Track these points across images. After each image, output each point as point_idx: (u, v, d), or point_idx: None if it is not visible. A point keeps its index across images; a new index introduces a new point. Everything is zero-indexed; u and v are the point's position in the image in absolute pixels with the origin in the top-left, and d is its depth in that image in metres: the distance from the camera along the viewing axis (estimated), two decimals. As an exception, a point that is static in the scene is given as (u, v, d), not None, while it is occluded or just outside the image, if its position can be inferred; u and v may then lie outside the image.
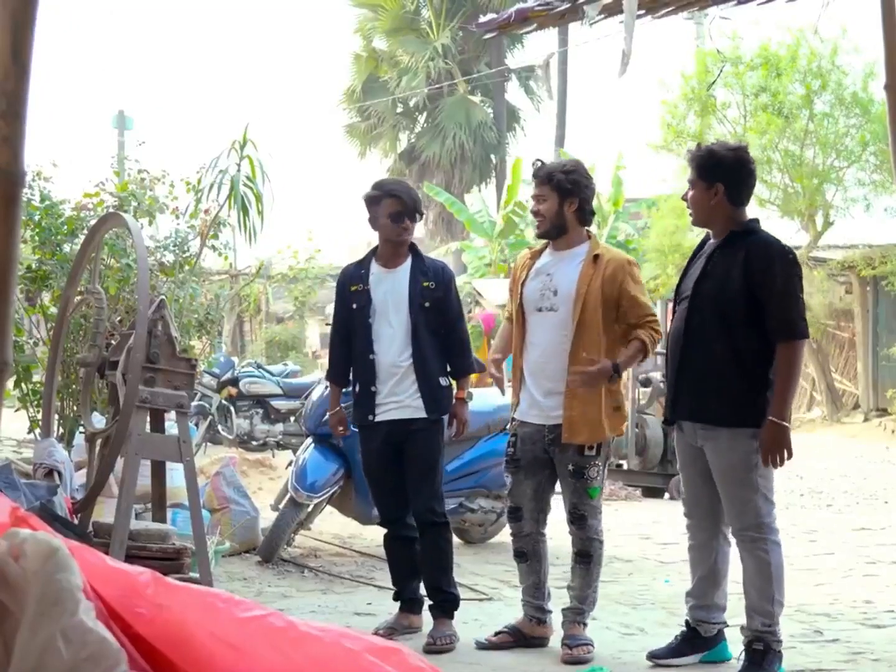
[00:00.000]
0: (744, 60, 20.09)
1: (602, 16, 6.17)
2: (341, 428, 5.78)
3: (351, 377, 5.69)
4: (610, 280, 5.18)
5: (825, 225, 20.86)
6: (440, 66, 29.86)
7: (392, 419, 5.48)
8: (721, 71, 19.22)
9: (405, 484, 5.58)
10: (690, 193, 4.92)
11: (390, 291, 5.52)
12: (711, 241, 4.99)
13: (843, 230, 21.62)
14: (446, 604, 5.49)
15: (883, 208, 20.37)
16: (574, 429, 5.19)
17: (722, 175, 4.83)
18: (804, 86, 19.84)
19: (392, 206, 5.51)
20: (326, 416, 7.18)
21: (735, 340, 4.78)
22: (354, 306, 5.55)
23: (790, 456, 4.73)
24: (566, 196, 5.24)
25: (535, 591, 5.40)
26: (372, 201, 5.57)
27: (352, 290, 5.58)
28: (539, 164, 5.40)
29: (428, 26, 30.95)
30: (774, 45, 20.02)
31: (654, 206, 21.38)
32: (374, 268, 5.59)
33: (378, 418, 5.49)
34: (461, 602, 5.63)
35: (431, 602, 5.53)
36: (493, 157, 30.63)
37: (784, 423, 4.69)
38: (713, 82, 18.71)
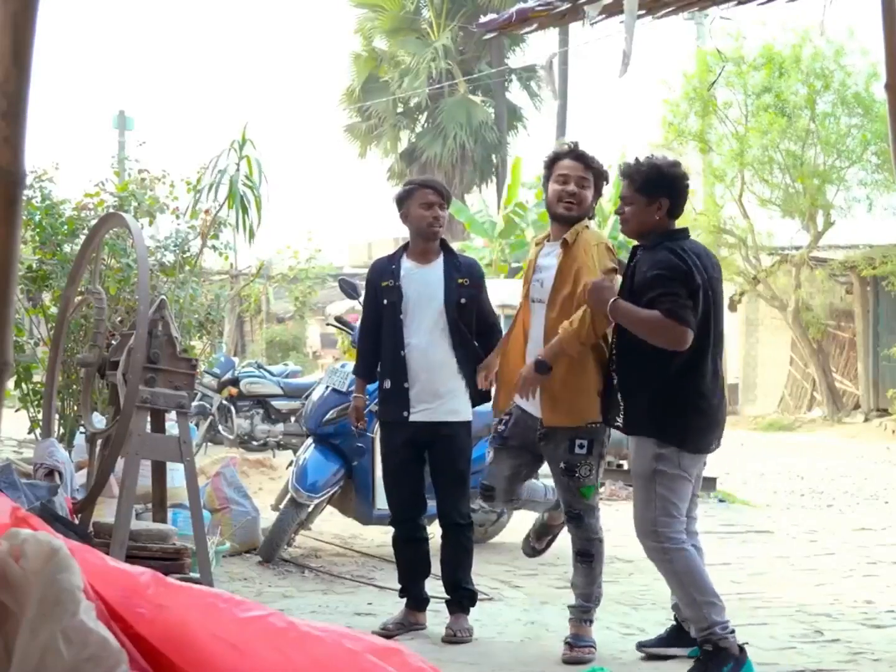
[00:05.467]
0: (746, 60, 20.10)
1: (602, 16, 6.16)
2: (357, 417, 5.68)
3: (379, 372, 5.65)
4: (580, 262, 5.09)
5: (826, 225, 20.86)
6: (441, 67, 29.86)
7: (423, 420, 5.46)
8: (721, 71, 19.21)
9: (423, 486, 5.60)
10: (629, 207, 4.86)
11: (424, 288, 5.49)
12: None
13: (844, 230, 21.62)
14: (465, 600, 5.56)
15: (884, 208, 20.40)
16: (555, 411, 5.08)
17: (667, 190, 4.82)
18: (807, 86, 19.84)
19: (425, 196, 5.52)
20: (327, 416, 7.23)
21: (631, 350, 4.76)
22: (385, 302, 5.51)
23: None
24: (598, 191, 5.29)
25: None
26: (406, 195, 5.58)
27: (382, 285, 5.54)
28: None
29: (428, 26, 30.96)
30: (779, 46, 20.03)
31: (655, 205, 21.36)
32: (407, 263, 5.56)
33: (412, 417, 5.46)
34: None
35: (449, 597, 5.58)
36: (493, 157, 30.64)
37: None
38: (713, 82, 18.71)
